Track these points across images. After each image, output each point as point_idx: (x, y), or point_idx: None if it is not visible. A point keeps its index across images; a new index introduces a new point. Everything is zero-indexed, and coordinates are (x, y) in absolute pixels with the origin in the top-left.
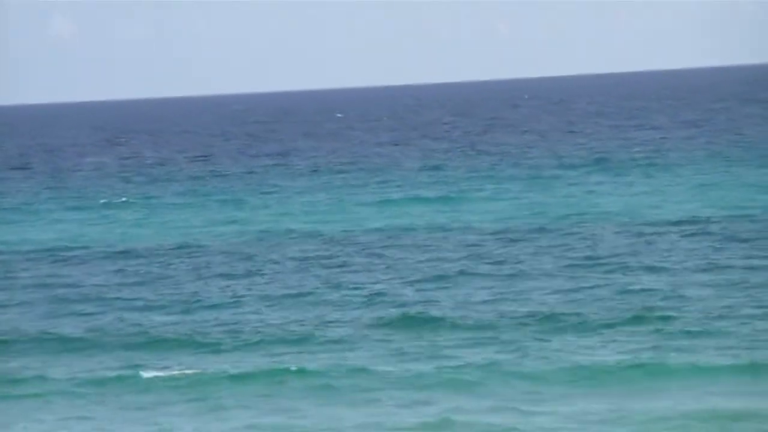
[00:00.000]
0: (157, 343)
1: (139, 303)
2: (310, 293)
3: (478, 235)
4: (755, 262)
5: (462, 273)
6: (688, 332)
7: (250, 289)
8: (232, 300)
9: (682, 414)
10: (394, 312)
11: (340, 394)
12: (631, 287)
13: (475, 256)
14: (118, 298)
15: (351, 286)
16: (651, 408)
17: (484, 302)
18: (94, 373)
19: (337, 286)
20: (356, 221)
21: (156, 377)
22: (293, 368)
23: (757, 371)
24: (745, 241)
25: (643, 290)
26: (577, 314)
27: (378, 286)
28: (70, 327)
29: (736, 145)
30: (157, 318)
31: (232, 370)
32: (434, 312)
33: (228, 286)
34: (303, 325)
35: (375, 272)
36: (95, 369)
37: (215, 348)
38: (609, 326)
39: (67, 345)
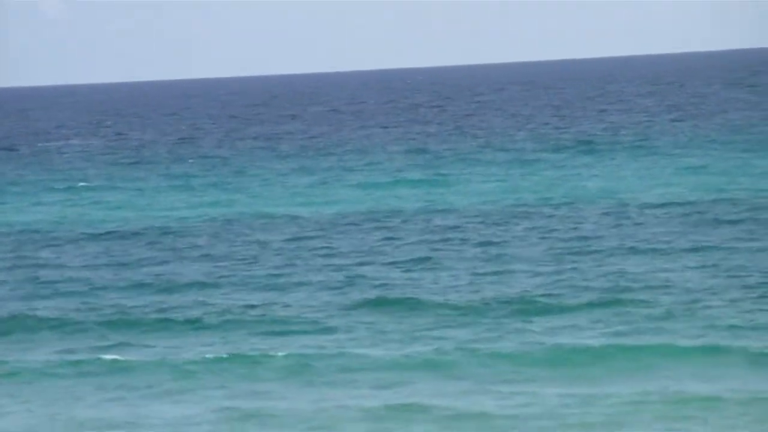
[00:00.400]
0: (136, 325)
1: (121, 284)
2: (292, 275)
3: (462, 218)
4: (740, 244)
5: (445, 255)
6: (671, 314)
7: (232, 271)
8: (213, 281)
9: (663, 396)
10: (375, 294)
11: (319, 375)
12: (614, 269)
13: (458, 238)
14: (99, 279)
15: (333, 268)
16: (631, 390)
17: (466, 284)
18: (73, 355)
19: (320, 269)
20: (341, 204)
21: (135, 359)
22: (272, 350)
23: (739, 354)
24: (730, 223)
25: (626, 272)
26: (559, 296)
27: (360, 269)
28: (49, 308)
29: (722, 128)
30: (137, 299)
31: (211, 352)
32: (415, 294)
33: (210, 268)
34: (284, 306)
35: (358, 254)
36: (74, 350)
37: (195, 330)
38: (591, 308)
39: (45, 326)
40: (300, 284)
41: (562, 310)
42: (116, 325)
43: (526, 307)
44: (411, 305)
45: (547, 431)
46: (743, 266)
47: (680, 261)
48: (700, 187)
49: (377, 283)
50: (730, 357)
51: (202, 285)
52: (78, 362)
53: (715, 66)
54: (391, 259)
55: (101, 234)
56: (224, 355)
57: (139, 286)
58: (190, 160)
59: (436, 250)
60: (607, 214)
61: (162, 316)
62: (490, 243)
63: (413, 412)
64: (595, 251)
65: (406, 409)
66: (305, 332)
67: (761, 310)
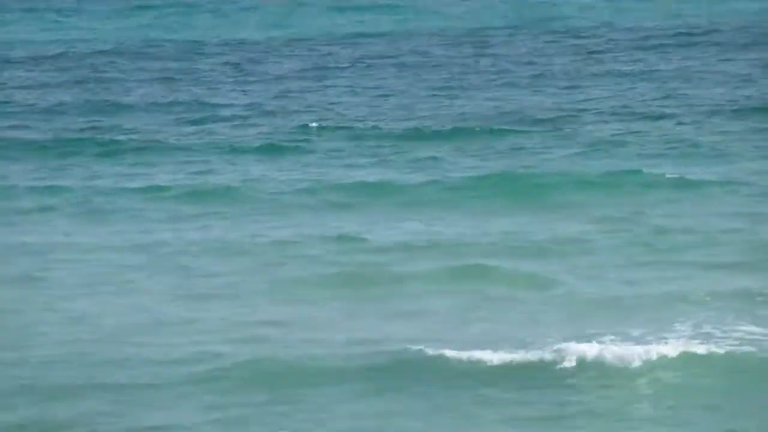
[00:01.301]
0: (74, 150)
1: (73, 105)
2: (246, 98)
3: (428, 44)
4: (700, 68)
5: (409, 81)
6: (622, 140)
7: (176, 97)
8: (153, 106)
9: (609, 225)
10: (331, 120)
11: (266, 204)
12: (571, 94)
13: (422, 63)
14: (52, 101)
15: (295, 94)
16: (582, 216)
17: (426, 109)
18: (6, 181)
19: (283, 94)
20: (304, 28)
21: (71, 183)
22: (220, 173)
23: (678, 181)
24: (687, 46)
25: (581, 97)
26: (515, 121)
27: (318, 93)
28: None
29: None
30: (91, 121)
31: (166, 173)
32: (373, 120)
33: (153, 93)
34: (234, 129)
35: (316, 79)
36: (38, 170)
37: (127, 156)
38: (545, 133)
39: None
40: (255, 107)
41: (516, 134)
42: (71, 146)
43: (482, 133)
44: (366, 130)
45: (496, 256)
46: (696, 93)
47: (639, 84)
48: (661, 12)
49: (334, 108)
50: (670, 183)
51: (154, 108)
52: (14, 187)
53: None
54: (350, 83)
55: (58, 54)
56: (176, 181)
57: (89, 107)
58: None
59: (401, 74)
60: (574, 40)
61: (100, 140)
62: (453, 66)
63: (369, 238)
64: (554, 76)
65: (359, 236)
66: (255, 154)
67: (711, 132)
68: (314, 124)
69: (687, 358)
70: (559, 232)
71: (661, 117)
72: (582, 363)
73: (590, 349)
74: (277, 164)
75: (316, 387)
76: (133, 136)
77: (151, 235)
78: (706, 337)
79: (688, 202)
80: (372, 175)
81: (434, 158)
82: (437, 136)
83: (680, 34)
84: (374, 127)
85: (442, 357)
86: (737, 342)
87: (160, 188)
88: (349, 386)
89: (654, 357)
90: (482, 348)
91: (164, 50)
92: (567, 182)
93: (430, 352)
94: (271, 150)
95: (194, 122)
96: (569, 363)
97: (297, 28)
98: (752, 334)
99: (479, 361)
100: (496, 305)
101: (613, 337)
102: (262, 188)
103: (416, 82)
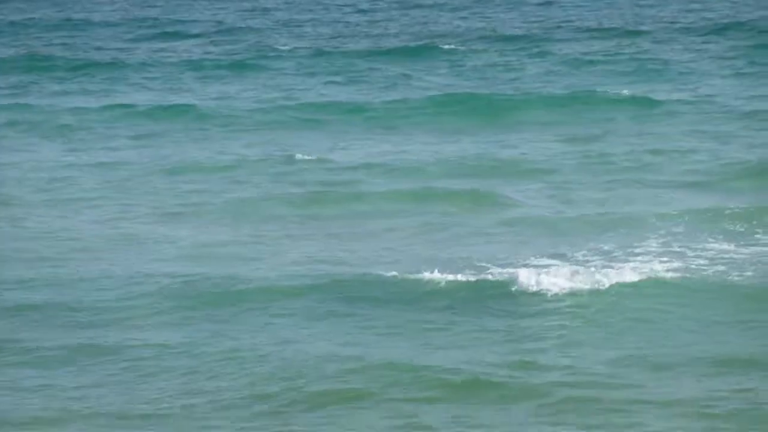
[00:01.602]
0: (42, 66)
1: (32, 18)
2: (219, 17)
3: None
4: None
5: (379, 11)
6: (595, 59)
7: (147, 13)
8: (122, 22)
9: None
10: (302, 40)
11: (235, 125)
12: (542, 11)
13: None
14: (11, 17)
15: (265, 11)
16: (550, 134)
17: (394, 28)
18: None
19: (254, 10)
20: None
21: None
22: (180, 96)
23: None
24: None
25: (554, 13)
26: (485, 39)
27: (290, 14)
28: None
29: None
30: (46, 37)
31: (110, 100)
32: (346, 39)
33: (123, 9)
34: (204, 51)
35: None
36: None
37: (95, 72)
38: (517, 52)
39: None
40: (226, 24)
41: (488, 53)
42: (38, 62)
43: (453, 51)
44: (336, 48)
45: (463, 177)
46: (671, 10)
47: (610, 4)
48: None
49: (305, 25)
50: (639, 102)
51: (124, 24)
52: None
53: None
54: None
55: None
56: (144, 99)
57: (57, 23)
58: None
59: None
60: None
61: (75, 54)
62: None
63: (335, 158)
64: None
65: (325, 156)
66: (224, 71)
67: (684, 51)
68: (284, 42)
69: (654, 278)
70: (527, 152)
71: (635, 35)
72: (547, 283)
73: (557, 270)
74: (246, 82)
75: (280, 306)
76: (102, 53)
77: (118, 153)
78: (674, 257)
79: (657, 120)
80: (341, 94)
81: (405, 76)
82: (408, 53)
83: None
84: (344, 45)
85: (404, 278)
86: (706, 262)
87: (128, 106)
88: (312, 305)
89: (621, 277)
90: (445, 268)
91: None
92: (536, 101)
93: (394, 273)
94: (240, 67)
95: (164, 39)
96: (533, 283)
97: None
98: (723, 252)
99: (441, 281)
100: (460, 226)
101: (582, 255)
102: (230, 106)
103: (386, 8)
